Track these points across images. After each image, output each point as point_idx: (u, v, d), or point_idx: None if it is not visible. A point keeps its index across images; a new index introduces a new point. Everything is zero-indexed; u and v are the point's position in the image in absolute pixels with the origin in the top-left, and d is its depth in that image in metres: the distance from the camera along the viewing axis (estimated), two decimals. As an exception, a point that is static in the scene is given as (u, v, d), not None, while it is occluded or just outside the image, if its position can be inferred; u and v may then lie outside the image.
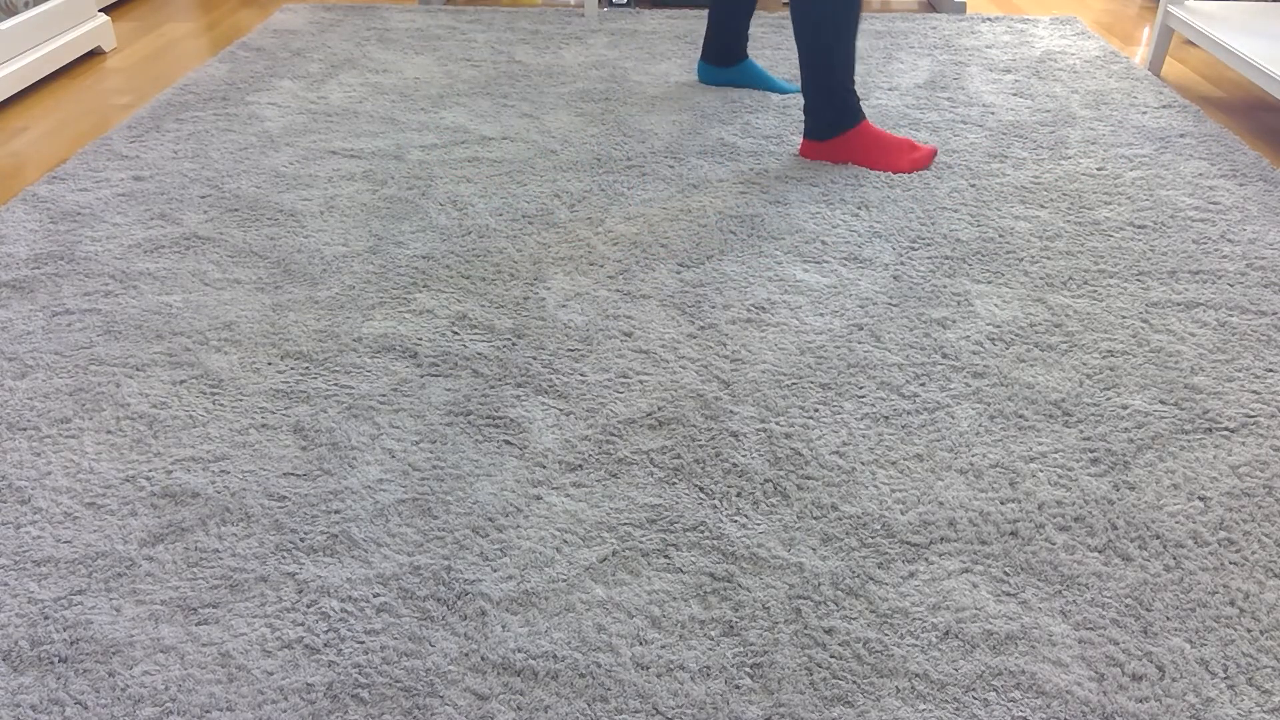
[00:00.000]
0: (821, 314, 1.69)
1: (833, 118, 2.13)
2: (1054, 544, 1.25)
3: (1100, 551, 1.24)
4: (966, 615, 1.15)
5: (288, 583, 1.19)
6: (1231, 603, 1.17)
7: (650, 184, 2.11)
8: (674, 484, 1.33)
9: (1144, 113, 2.45)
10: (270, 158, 2.21)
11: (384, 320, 1.67)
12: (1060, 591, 1.18)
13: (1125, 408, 1.48)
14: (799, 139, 2.31)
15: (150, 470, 1.35)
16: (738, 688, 1.07)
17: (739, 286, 1.76)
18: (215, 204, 2.02)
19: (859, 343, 1.62)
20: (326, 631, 1.13)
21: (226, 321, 1.66)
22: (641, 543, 1.24)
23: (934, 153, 2.17)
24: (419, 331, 1.63)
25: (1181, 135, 2.33)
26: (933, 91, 2.58)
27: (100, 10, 3.27)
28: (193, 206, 2.02)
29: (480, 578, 1.19)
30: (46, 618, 1.14)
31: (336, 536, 1.25)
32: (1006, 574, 1.21)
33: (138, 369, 1.55)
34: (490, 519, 1.28)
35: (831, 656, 1.10)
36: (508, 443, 1.40)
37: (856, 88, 2.60)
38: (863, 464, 1.37)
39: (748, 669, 1.09)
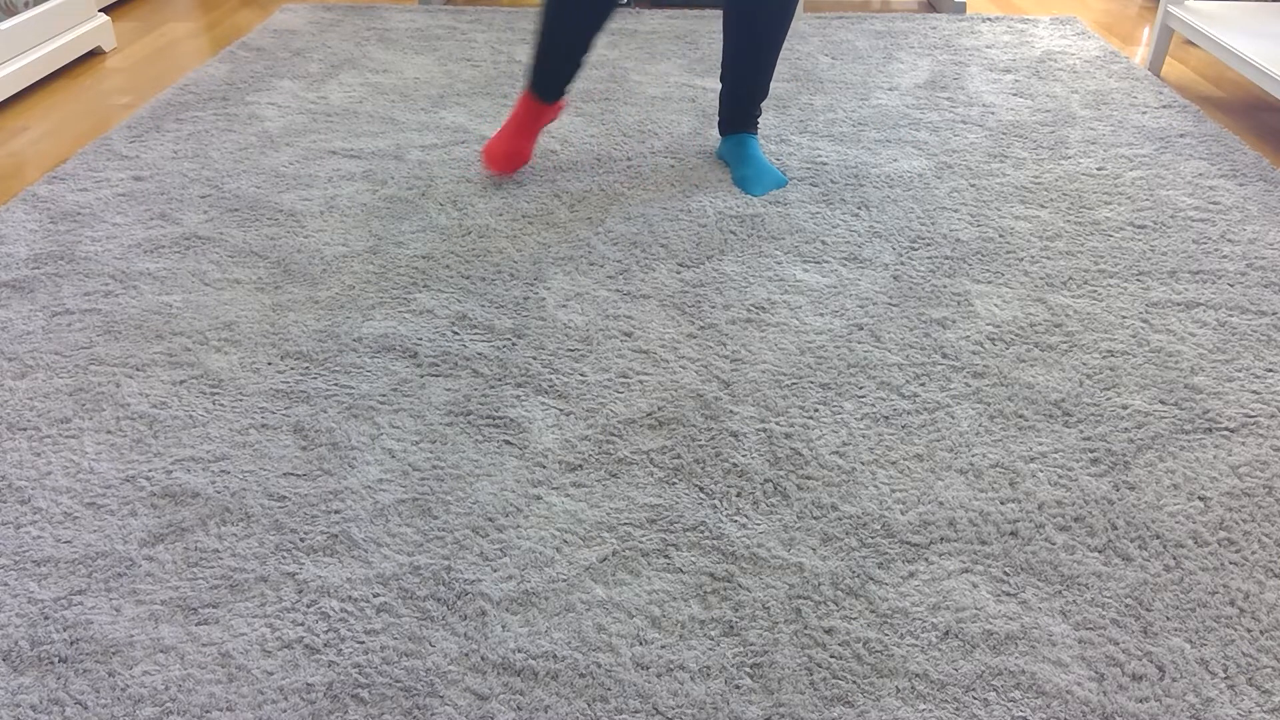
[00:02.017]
0: (821, 314, 1.69)
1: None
2: (1054, 544, 1.25)
3: (1100, 551, 1.24)
4: (966, 615, 1.15)
5: (288, 583, 1.19)
6: (1231, 603, 1.17)
7: (650, 184, 2.11)
8: (674, 484, 1.33)
9: (1144, 113, 2.45)
10: (270, 158, 2.21)
11: (384, 320, 1.67)
12: (1060, 591, 1.18)
13: (1125, 408, 1.48)
14: (800, 139, 2.31)
15: (150, 470, 1.35)
16: (738, 688, 1.07)
17: (739, 286, 1.76)
18: (215, 204, 2.02)
19: (859, 343, 1.62)
20: (326, 631, 1.13)
21: (226, 321, 1.66)
22: (641, 543, 1.24)
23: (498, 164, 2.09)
24: (419, 331, 1.64)
25: (1181, 135, 2.33)
26: (933, 91, 2.58)
27: (100, 10, 3.27)
28: (193, 206, 2.02)
29: (480, 578, 1.19)
30: (46, 618, 1.14)
31: (336, 536, 1.25)
32: (1006, 574, 1.21)
33: (138, 369, 1.55)
34: (490, 519, 1.28)
35: (831, 656, 1.10)
36: (508, 443, 1.40)
37: (857, 86, 2.60)
38: (863, 464, 1.37)
39: (748, 669, 1.09)
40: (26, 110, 2.53)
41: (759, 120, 2.19)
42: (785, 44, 2.92)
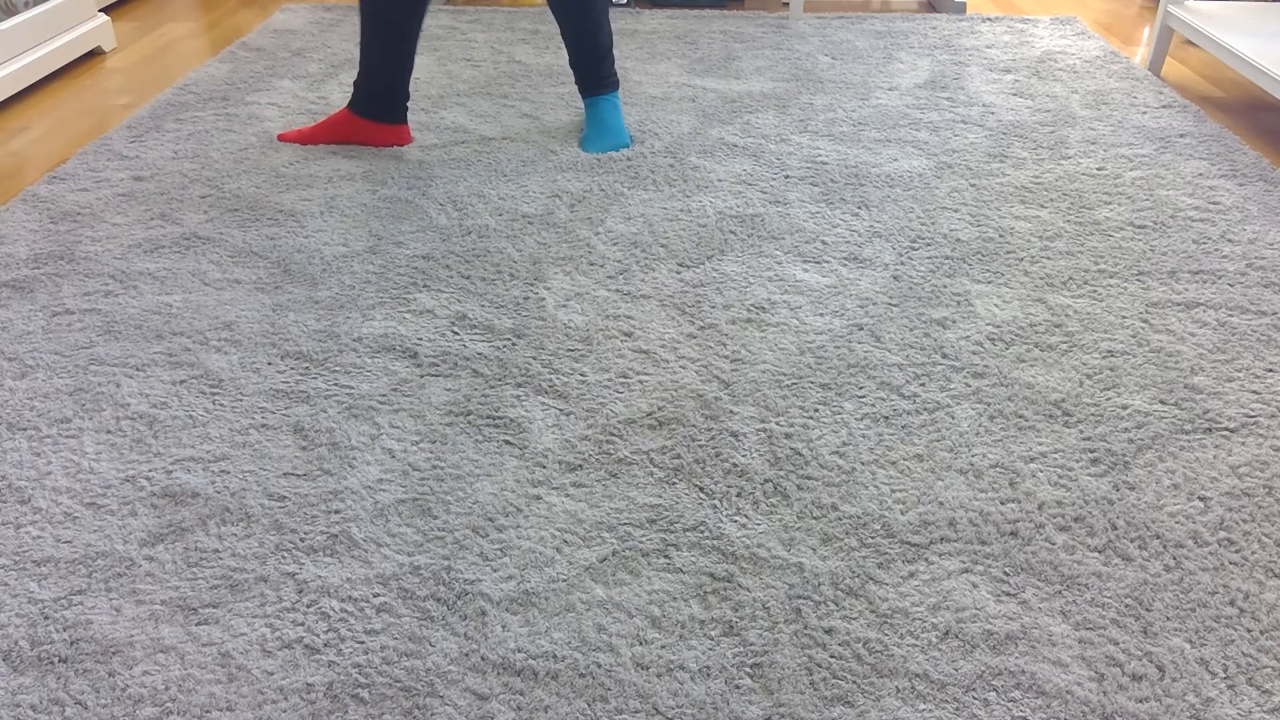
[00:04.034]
0: (821, 314, 1.69)
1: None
2: (1054, 544, 1.25)
3: (1100, 551, 1.24)
4: (966, 615, 1.15)
5: (288, 583, 1.19)
6: (1231, 603, 1.17)
7: (650, 184, 2.11)
8: (674, 484, 1.33)
9: (1144, 113, 2.45)
10: (270, 158, 2.21)
11: (384, 320, 1.67)
12: (1060, 591, 1.18)
13: (1125, 408, 1.48)
14: (800, 139, 2.31)
15: (150, 470, 1.35)
16: (738, 688, 1.07)
17: (739, 286, 1.76)
18: (215, 204, 2.02)
19: (859, 343, 1.62)
20: (326, 631, 1.13)
21: (226, 321, 1.66)
22: (641, 543, 1.24)
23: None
24: (419, 331, 1.64)
25: (1181, 135, 2.33)
26: (933, 91, 2.58)
27: (100, 10, 3.27)
28: (193, 206, 2.02)
29: (480, 578, 1.19)
30: (46, 618, 1.14)
31: (336, 536, 1.25)
32: (1006, 574, 1.21)
33: (138, 369, 1.55)
34: (490, 519, 1.28)
35: (831, 656, 1.10)
36: (508, 443, 1.40)
37: (857, 86, 2.60)
38: (863, 464, 1.37)
39: (748, 669, 1.09)
40: (26, 110, 2.53)
41: (609, 79, 2.28)
42: (785, 44, 2.92)
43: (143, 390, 1.51)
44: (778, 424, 1.44)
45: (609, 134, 2.25)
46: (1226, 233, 1.93)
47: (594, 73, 2.24)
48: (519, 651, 1.11)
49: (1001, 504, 1.31)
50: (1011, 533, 1.26)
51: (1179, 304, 1.72)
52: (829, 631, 1.13)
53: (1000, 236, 1.92)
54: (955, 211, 2.01)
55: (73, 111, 2.52)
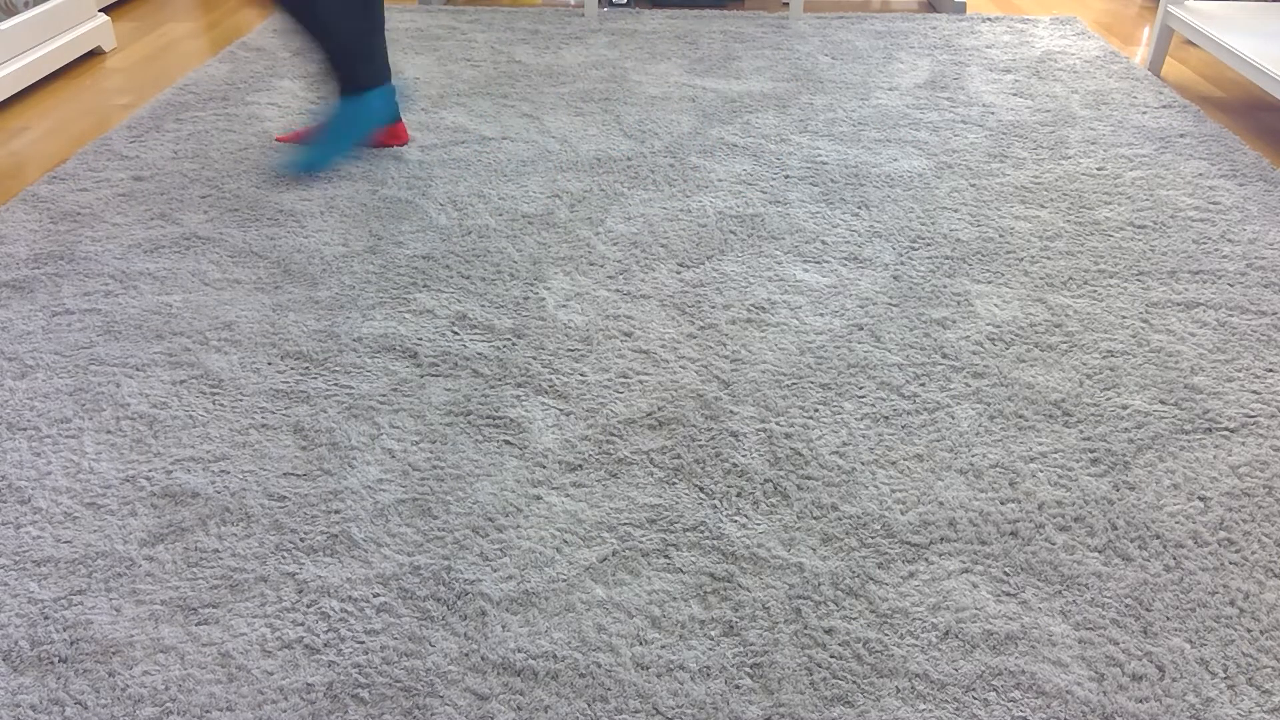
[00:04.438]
0: (821, 314, 1.69)
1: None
2: (1054, 544, 1.25)
3: (1100, 551, 1.24)
4: (966, 615, 1.15)
5: (288, 583, 1.19)
6: (1231, 603, 1.17)
7: (650, 184, 2.11)
8: (674, 484, 1.33)
9: (1144, 113, 2.45)
10: (270, 158, 2.21)
11: (384, 320, 1.67)
12: (1060, 591, 1.18)
13: (1125, 408, 1.48)
14: (800, 138, 2.31)
15: (150, 470, 1.35)
16: (738, 688, 1.07)
17: (739, 286, 1.76)
18: (215, 204, 2.02)
19: (859, 343, 1.62)
20: (326, 631, 1.13)
21: (226, 321, 1.66)
22: (641, 543, 1.24)
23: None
24: (419, 331, 1.64)
25: (1181, 135, 2.33)
26: (933, 91, 2.58)
27: (100, 10, 3.27)
28: (193, 206, 2.02)
29: (480, 578, 1.19)
30: (46, 618, 1.14)
31: (336, 536, 1.25)
32: (1006, 574, 1.21)
33: (138, 369, 1.55)
34: (490, 519, 1.28)
35: (831, 656, 1.10)
36: (508, 443, 1.40)
37: (857, 86, 2.60)
38: (863, 464, 1.37)
39: (748, 669, 1.09)
40: (26, 110, 2.53)
41: (343, 83, 2.08)
42: (785, 44, 2.93)
43: (143, 390, 1.51)
44: (778, 424, 1.44)
45: (327, 142, 2.09)
46: (1226, 233, 1.93)
47: (347, 71, 2.05)
48: (519, 651, 1.11)
49: (1001, 504, 1.31)
50: (1011, 533, 1.26)
51: (1179, 304, 1.72)
52: (829, 631, 1.13)
53: (1000, 236, 1.92)
54: (955, 211, 2.01)
55: (73, 111, 2.52)
